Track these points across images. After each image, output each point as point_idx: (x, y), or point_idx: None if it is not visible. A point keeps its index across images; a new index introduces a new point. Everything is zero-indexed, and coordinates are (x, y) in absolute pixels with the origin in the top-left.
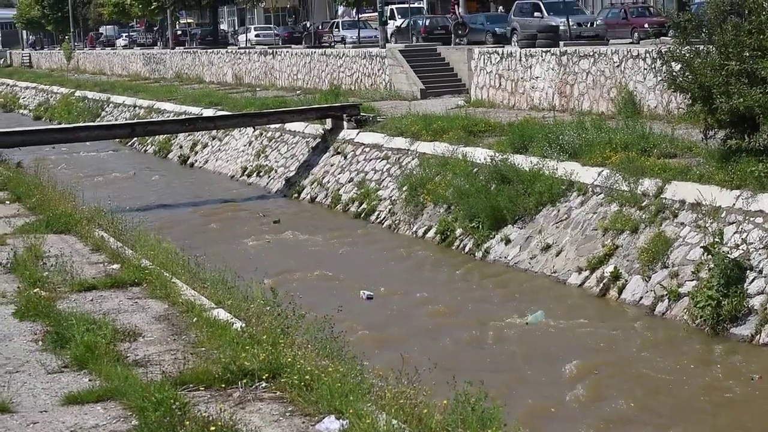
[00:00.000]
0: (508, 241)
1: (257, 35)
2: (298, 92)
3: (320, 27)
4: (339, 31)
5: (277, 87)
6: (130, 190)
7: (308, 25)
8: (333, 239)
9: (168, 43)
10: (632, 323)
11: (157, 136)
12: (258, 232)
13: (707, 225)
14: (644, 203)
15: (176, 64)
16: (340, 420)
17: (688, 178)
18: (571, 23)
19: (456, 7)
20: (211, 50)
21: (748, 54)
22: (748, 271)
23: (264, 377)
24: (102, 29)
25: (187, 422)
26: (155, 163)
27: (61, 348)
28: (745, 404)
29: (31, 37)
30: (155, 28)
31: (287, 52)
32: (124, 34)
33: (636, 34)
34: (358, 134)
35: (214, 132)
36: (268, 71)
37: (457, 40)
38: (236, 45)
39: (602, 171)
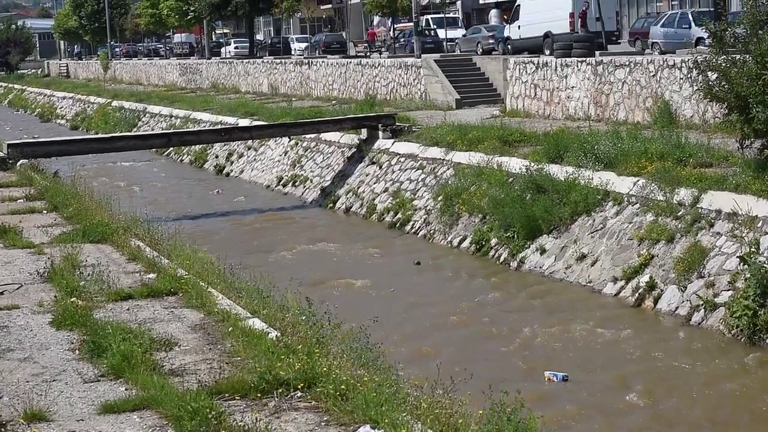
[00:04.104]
0: (543, 251)
1: (236, 47)
2: (333, 102)
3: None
4: None
5: (312, 97)
6: (166, 200)
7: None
8: (368, 249)
9: (204, 53)
10: (668, 333)
11: (193, 146)
12: (293, 242)
13: (743, 235)
14: (680, 213)
15: (212, 74)
16: (376, 430)
17: (725, 187)
18: None
19: (584, 17)
20: (246, 60)
21: None
22: None
23: (299, 387)
24: (177, 37)
25: (223, 431)
26: (192, 173)
27: (97, 357)
28: None
29: (75, 47)
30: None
31: (323, 62)
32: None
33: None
34: (393, 144)
35: (249, 142)
36: (304, 81)
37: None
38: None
39: (638, 181)
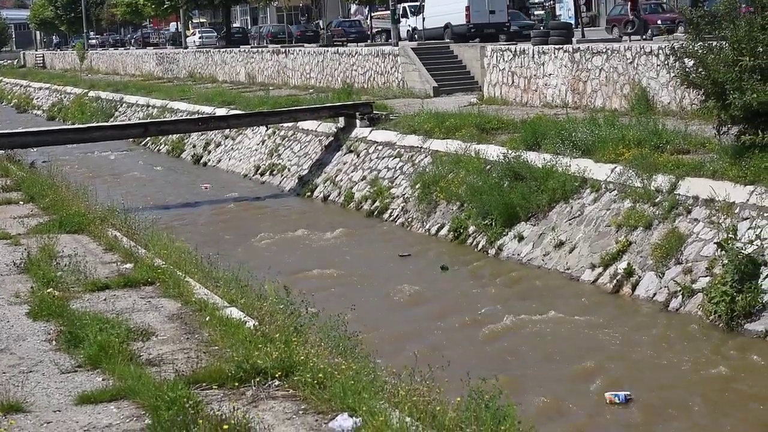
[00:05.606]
0: (521, 238)
1: (200, 37)
2: (311, 91)
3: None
4: None
5: (289, 86)
6: (143, 190)
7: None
8: (346, 237)
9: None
10: (646, 319)
11: (170, 136)
12: (271, 231)
13: (721, 221)
14: (658, 199)
15: (189, 64)
16: (354, 418)
17: (702, 174)
18: None
19: (636, 2)
20: (224, 49)
21: (761, 50)
22: (762, 267)
23: (277, 375)
24: (172, 26)
25: (200, 421)
26: (169, 163)
27: (74, 348)
28: (759, 400)
29: (54, 37)
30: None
31: (300, 50)
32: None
33: (649, 31)
34: (371, 132)
35: (227, 131)
36: (281, 70)
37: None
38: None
39: (615, 167)
